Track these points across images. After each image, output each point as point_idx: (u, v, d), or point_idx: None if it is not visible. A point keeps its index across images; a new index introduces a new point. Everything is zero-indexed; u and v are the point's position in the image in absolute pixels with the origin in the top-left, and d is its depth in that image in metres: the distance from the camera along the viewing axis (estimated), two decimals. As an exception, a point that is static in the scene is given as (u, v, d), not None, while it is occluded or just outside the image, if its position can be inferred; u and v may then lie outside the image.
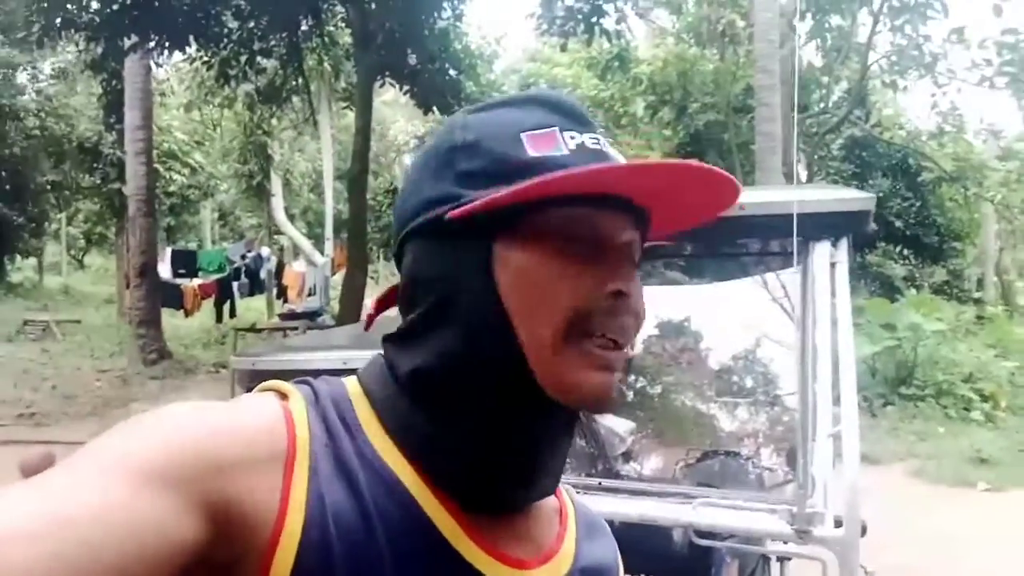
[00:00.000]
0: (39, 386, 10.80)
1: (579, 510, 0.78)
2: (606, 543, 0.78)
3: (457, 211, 0.63)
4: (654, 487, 1.93)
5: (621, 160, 0.66)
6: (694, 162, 0.61)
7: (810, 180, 17.60)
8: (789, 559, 2.85)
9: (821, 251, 2.08)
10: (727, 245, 2.55)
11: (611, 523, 2.01)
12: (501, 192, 0.61)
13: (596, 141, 0.66)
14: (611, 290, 0.62)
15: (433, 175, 0.67)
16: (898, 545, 5.21)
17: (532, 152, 0.64)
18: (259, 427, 0.59)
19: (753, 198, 2.20)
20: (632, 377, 3.14)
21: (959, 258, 19.80)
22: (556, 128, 0.65)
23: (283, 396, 0.64)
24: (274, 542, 0.55)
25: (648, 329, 3.17)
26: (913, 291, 16.29)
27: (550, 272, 0.62)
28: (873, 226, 2.25)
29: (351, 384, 0.68)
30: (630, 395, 3.13)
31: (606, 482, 2.04)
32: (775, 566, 2.94)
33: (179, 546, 0.51)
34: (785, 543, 1.76)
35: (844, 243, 2.13)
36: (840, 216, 2.10)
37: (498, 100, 0.71)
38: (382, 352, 0.69)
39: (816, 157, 18.19)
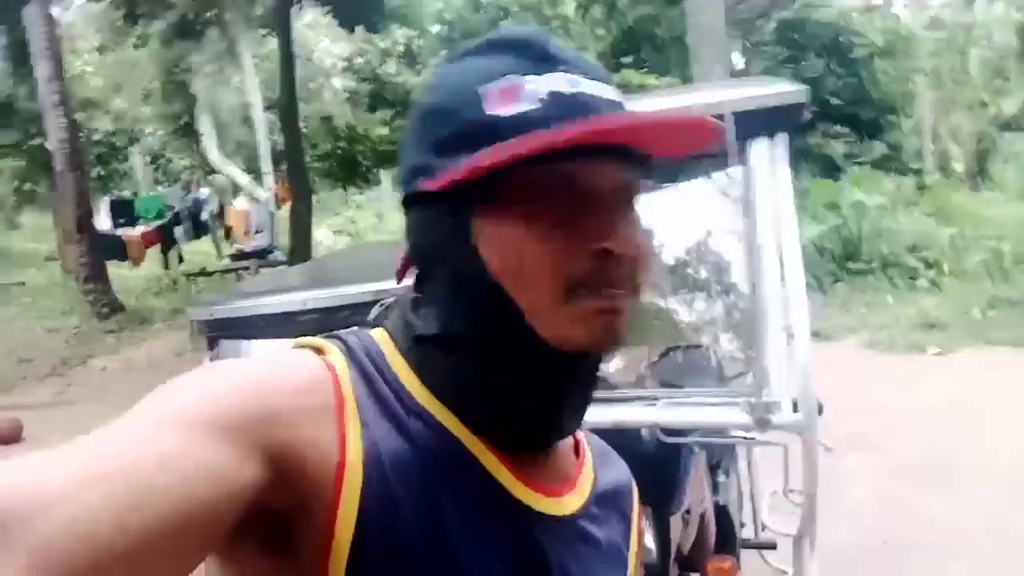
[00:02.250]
0: (-10, 352, 10.59)
1: (592, 441, 0.81)
2: (620, 467, 0.82)
3: (426, 187, 0.64)
4: (621, 392, 2.01)
5: (607, 93, 0.64)
6: (654, 117, 0.60)
7: (747, 68, 17.62)
8: (755, 442, 3.01)
9: (759, 148, 2.13)
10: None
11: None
12: (460, 166, 0.61)
13: (573, 83, 0.62)
14: (596, 249, 0.61)
15: (414, 143, 0.67)
16: (853, 415, 5.49)
17: (492, 110, 0.61)
18: (307, 380, 0.60)
19: (688, 101, 2.23)
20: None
21: (896, 131, 20.13)
22: (517, 76, 0.62)
23: (318, 351, 0.65)
24: (337, 490, 0.57)
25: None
26: (855, 168, 16.57)
27: (529, 241, 0.61)
28: (808, 115, 2.29)
29: (379, 336, 0.70)
30: None
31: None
32: (741, 451, 3.10)
33: (241, 492, 0.52)
34: (748, 434, 1.86)
35: (781, 138, 2.18)
36: (775, 111, 2.14)
37: (464, 48, 0.68)
38: (401, 305, 0.71)
39: (749, 44, 18.15)
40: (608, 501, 0.76)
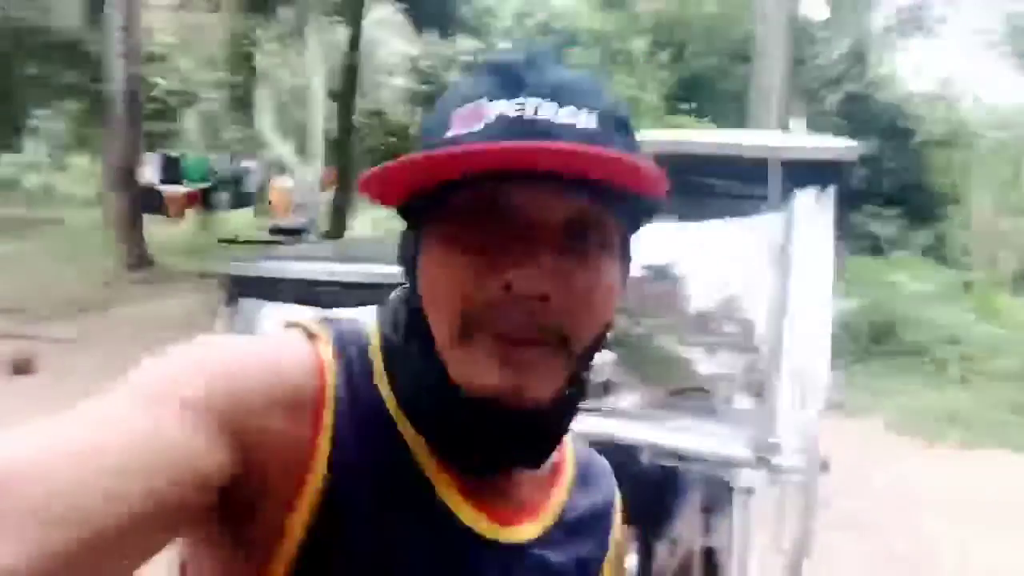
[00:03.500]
0: (16, 284, 10.75)
1: (578, 459, 0.78)
2: (603, 487, 0.78)
3: (387, 200, 0.63)
4: (626, 410, 2.01)
5: (573, 119, 0.58)
6: (560, 146, 0.54)
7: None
8: (753, 492, 2.98)
9: (805, 197, 2.14)
10: (714, 184, 2.60)
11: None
12: (379, 175, 0.58)
13: (520, 107, 0.58)
14: (500, 283, 0.56)
15: None
16: (858, 493, 5.42)
17: (450, 133, 0.59)
18: (294, 372, 0.59)
19: (738, 140, 2.24)
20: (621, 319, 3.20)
21: (946, 222, 19.95)
22: (485, 100, 0.59)
23: (310, 335, 0.64)
24: (298, 490, 0.56)
25: (634, 270, 3.22)
26: (900, 252, 16.44)
27: (441, 265, 0.59)
28: (858, 174, 2.30)
29: (370, 330, 0.68)
30: (609, 334, 3.20)
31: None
32: (738, 499, 3.07)
33: (208, 474, 0.52)
34: (746, 470, 1.85)
35: (829, 191, 2.19)
36: (826, 164, 2.15)
37: (476, 66, 0.66)
38: (391, 301, 0.69)
39: (811, 112, 18.13)
40: (578, 525, 0.73)
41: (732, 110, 15.96)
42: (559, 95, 0.59)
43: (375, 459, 0.61)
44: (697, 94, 18.23)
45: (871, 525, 5.35)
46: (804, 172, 2.16)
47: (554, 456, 0.72)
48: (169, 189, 14.81)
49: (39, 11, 19.35)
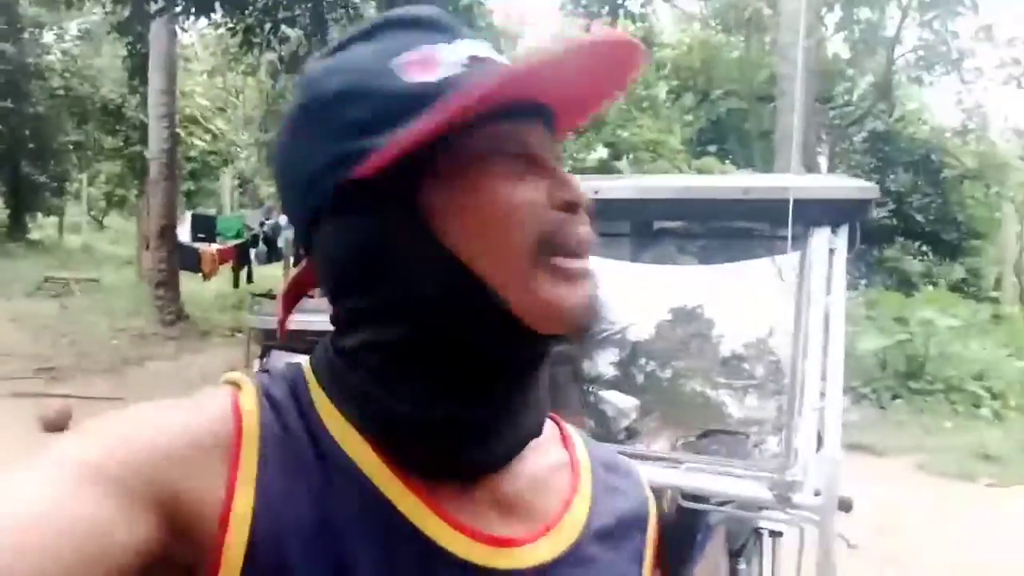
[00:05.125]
0: (57, 342, 11.00)
1: (596, 460, 0.70)
2: (631, 494, 0.71)
3: (366, 167, 0.56)
4: (645, 452, 2.02)
5: (509, 62, 0.59)
6: (605, 35, 0.55)
7: (830, 172, 17.55)
8: (780, 534, 2.94)
9: (820, 237, 2.16)
10: (731, 227, 2.64)
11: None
12: (411, 128, 0.54)
13: (485, 48, 0.60)
14: (563, 201, 0.57)
15: (318, 139, 0.58)
16: (890, 533, 5.30)
17: (414, 78, 0.57)
18: (204, 422, 0.56)
19: (752, 183, 2.27)
20: (642, 360, 3.22)
21: (977, 256, 19.70)
22: (428, 46, 0.59)
23: (237, 386, 0.60)
24: (220, 542, 0.53)
25: (661, 314, 3.23)
26: (930, 287, 16.25)
27: (497, 200, 0.56)
28: (875, 214, 2.32)
29: (306, 368, 0.64)
30: (640, 378, 3.21)
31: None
32: (767, 543, 3.04)
33: (130, 547, 0.49)
34: (765, 510, 1.85)
35: (843, 230, 2.21)
36: (841, 204, 2.18)
37: (346, 38, 0.63)
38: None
39: (838, 149, 18.14)
40: (610, 536, 0.65)
41: (759, 151, 16.03)
42: (477, 37, 0.62)
43: (317, 491, 0.56)
44: (723, 136, 18.34)
45: (906, 564, 5.23)
46: (819, 211, 2.19)
47: (561, 453, 0.68)
48: (203, 246, 15.10)
49: (80, 79, 20.12)
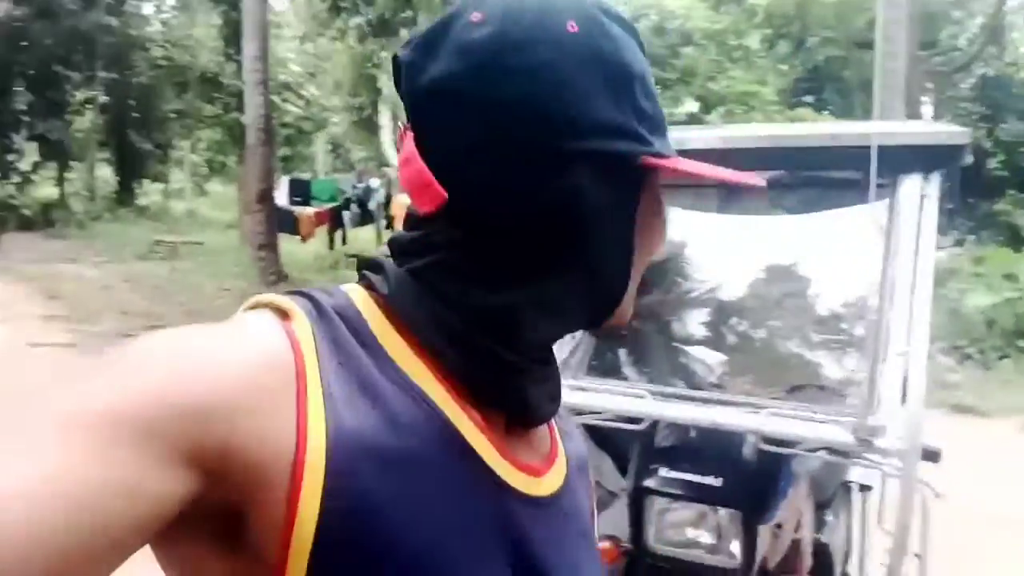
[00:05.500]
0: (168, 300, 11.61)
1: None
2: (573, 430, 0.80)
3: (658, 161, 0.63)
4: (726, 396, 2.06)
5: None
6: (758, 181, 0.70)
7: (936, 121, 16.73)
8: (870, 488, 2.91)
9: (910, 184, 2.12)
10: (821, 177, 2.61)
11: (687, 428, 2.12)
12: (687, 161, 0.66)
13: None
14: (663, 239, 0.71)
15: (612, 98, 0.61)
16: (1000, 496, 5.16)
17: (603, 109, 0.61)
18: (259, 358, 0.54)
19: (837, 130, 2.24)
20: (733, 320, 3.21)
21: (1096, 208, 18.48)
22: (635, 82, 0.64)
23: (283, 313, 0.58)
24: (297, 482, 0.51)
25: (754, 272, 3.20)
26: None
27: (656, 221, 0.68)
28: (969, 159, 2.26)
29: (356, 295, 0.63)
30: (731, 338, 3.19)
31: (680, 390, 2.18)
32: (856, 496, 3.02)
33: (160, 503, 0.47)
34: (849, 456, 1.86)
35: (935, 177, 2.16)
36: (929, 150, 2.13)
37: (613, 12, 0.64)
38: (400, 266, 0.63)
39: (944, 97, 17.24)
40: (577, 472, 0.74)
41: (858, 101, 15.40)
42: None
43: (390, 424, 0.56)
44: (820, 86, 17.68)
45: (1007, 523, 5.08)
46: (907, 157, 2.15)
47: None
48: (300, 210, 15.61)
49: (179, 48, 20.87)
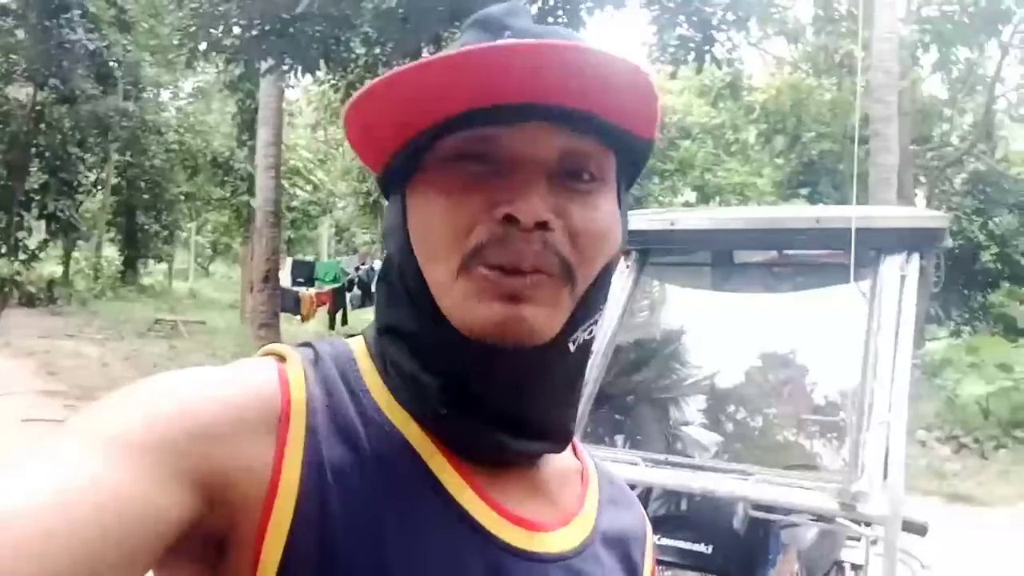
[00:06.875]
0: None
1: (603, 474, 0.74)
2: (633, 513, 0.74)
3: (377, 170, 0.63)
4: (716, 464, 2.12)
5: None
6: (522, 43, 0.54)
7: (929, 214, 17.02)
8: (862, 567, 2.93)
9: (891, 263, 2.24)
10: (808, 257, 2.73)
11: (678, 495, 2.18)
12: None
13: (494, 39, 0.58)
14: (498, 216, 0.55)
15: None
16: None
17: None
18: (250, 392, 0.56)
19: (828, 212, 2.37)
20: (731, 407, 3.25)
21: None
22: (466, 46, 0.54)
23: (283, 359, 0.61)
24: (267, 510, 0.53)
25: (748, 354, 3.26)
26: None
27: (435, 206, 0.57)
28: (949, 243, 2.38)
29: (356, 344, 0.66)
30: (729, 426, 3.22)
31: (672, 457, 2.24)
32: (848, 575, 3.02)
33: (165, 520, 0.49)
34: (855, 548, 1.90)
35: (915, 258, 2.28)
36: (910, 232, 2.25)
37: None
38: None
39: (936, 191, 17.61)
40: (615, 545, 0.68)
41: (852, 194, 15.73)
42: (535, 33, 0.60)
43: (365, 461, 0.57)
44: (815, 179, 18.08)
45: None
46: (888, 239, 2.27)
47: (574, 460, 0.72)
48: (303, 290, 15.80)
49: (193, 133, 21.49)
